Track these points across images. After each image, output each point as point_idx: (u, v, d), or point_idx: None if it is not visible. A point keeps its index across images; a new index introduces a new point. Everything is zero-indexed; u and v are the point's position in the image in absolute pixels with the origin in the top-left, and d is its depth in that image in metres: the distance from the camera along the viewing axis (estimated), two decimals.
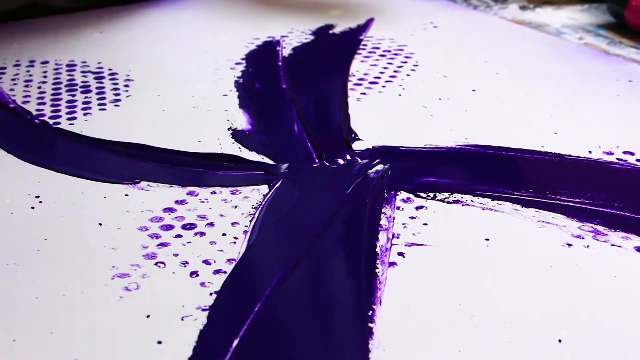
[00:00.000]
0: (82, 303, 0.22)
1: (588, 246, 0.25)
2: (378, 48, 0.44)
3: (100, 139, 0.32)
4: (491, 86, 0.39)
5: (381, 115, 0.36)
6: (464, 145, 0.32)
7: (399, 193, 0.28)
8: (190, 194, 0.28)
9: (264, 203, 0.28)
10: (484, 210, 0.27)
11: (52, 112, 0.35)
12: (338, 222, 0.26)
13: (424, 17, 0.50)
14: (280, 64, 0.42)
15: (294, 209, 0.27)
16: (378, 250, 0.25)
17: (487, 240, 0.25)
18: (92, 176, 0.29)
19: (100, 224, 0.26)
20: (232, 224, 0.26)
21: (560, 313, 0.22)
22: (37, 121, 0.34)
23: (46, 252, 0.25)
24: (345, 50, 0.44)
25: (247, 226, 0.26)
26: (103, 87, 0.38)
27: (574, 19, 0.51)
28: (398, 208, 0.27)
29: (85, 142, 0.32)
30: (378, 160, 0.31)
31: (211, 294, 0.23)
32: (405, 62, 0.42)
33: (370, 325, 0.21)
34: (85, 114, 0.35)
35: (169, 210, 0.27)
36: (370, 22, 0.49)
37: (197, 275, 0.23)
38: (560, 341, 0.21)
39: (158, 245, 0.25)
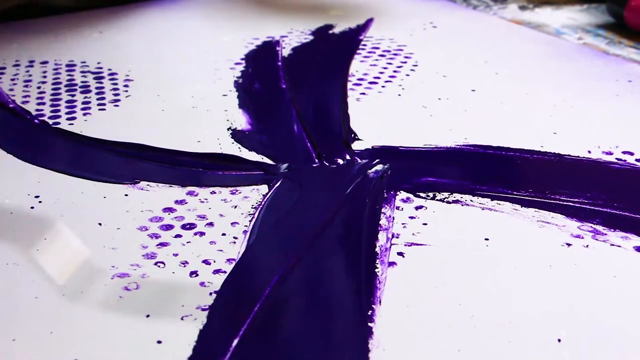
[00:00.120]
0: (81, 303, 0.22)
1: (587, 246, 0.25)
2: (377, 48, 0.44)
3: (100, 139, 0.32)
4: (490, 86, 0.39)
5: (380, 115, 0.36)
6: (463, 145, 0.32)
7: (398, 193, 0.28)
8: (190, 193, 0.28)
9: (263, 203, 0.28)
10: (483, 209, 0.27)
11: (52, 111, 0.35)
12: (337, 221, 0.26)
13: (423, 17, 0.50)
14: (280, 63, 0.42)
15: (293, 209, 0.27)
16: (377, 249, 0.25)
17: (487, 239, 0.26)
18: (91, 176, 0.29)
19: (100, 224, 0.26)
20: (232, 223, 0.26)
21: (560, 312, 0.22)
22: (36, 121, 0.34)
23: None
24: (345, 50, 0.44)
25: (246, 226, 0.26)
26: (102, 87, 0.38)
27: (573, 18, 0.51)
28: (397, 208, 0.27)
29: (84, 142, 0.32)
30: (377, 160, 0.31)
31: (211, 294, 0.23)
32: (405, 62, 0.42)
33: (369, 324, 0.21)
34: (84, 114, 0.35)
35: (169, 209, 0.27)
36: (369, 21, 0.49)
37: (197, 275, 0.23)
38: (559, 341, 0.21)
39: (157, 245, 0.25)
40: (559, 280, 0.23)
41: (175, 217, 0.27)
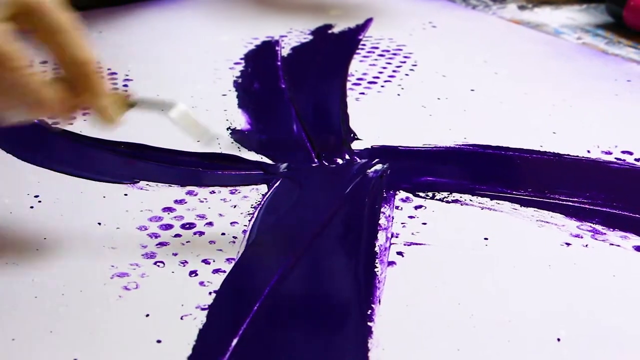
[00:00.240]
0: (81, 302, 0.22)
1: (586, 245, 0.25)
2: (377, 47, 0.44)
3: (100, 139, 0.32)
4: (490, 86, 0.39)
5: (380, 114, 0.36)
6: (462, 145, 0.32)
7: (397, 192, 0.28)
8: (189, 193, 0.28)
9: (262, 202, 0.28)
10: (482, 209, 0.27)
11: None
12: (337, 221, 0.26)
13: (422, 17, 0.50)
14: (279, 63, 0.42)
15: (292, 208, 0.27)
16: (377, 249, 0.25)
17: (486, 239, 0.26)
18: (91, 176, 0.29)
19: (99, 223, 0.26)
20: (231, 223, 0.26)
21: (559, 312, 0.22)
22: (36, 121, 0.34)
23: (45, 251, 0.25)
24: (344, 50, 0.44)
25: (246, 225, 0.26)
26: None
27: (572, 18, 0.51)
28: (397, 207, 0.27)
29: (84, 142, 0.32)
30: (377, 160, 0.31)
31: (210, 293, 0.23)
32: (404, 62, 0.42)
33: (369, 323, 0.21)
34: (84, 114, 0.35)
35: (168, 209, 0.27)
36: (368, 21, 0.49)
37: (196, 275, 0.23)
38: (559, 340, 0.21)
39: (157, 245, 0.25)
40: (558, 280, 0.23)
41: (175, 217, 0.27)
